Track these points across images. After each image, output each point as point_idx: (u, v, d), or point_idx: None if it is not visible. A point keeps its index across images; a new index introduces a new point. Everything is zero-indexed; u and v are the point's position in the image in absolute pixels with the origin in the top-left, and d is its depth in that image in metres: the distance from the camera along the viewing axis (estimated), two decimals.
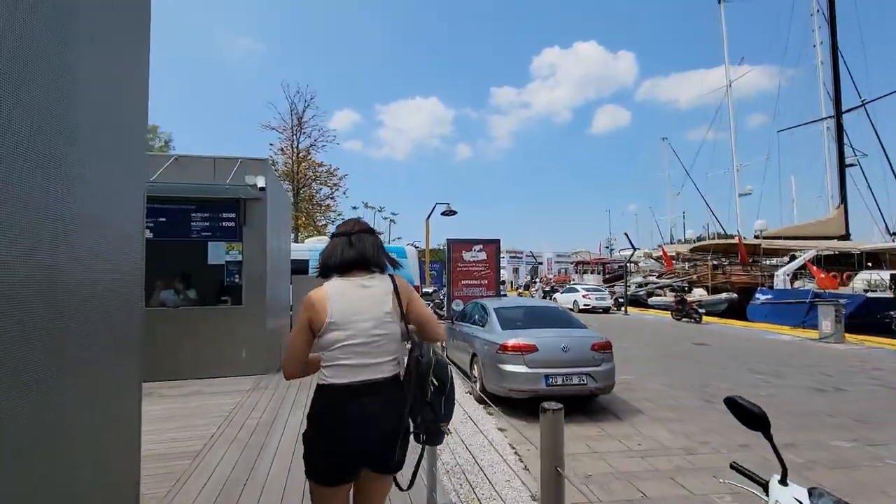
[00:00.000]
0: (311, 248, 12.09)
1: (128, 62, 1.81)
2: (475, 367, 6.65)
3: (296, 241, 18.79)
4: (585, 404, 6.29)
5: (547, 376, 5.65)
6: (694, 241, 35.85)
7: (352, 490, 1.72)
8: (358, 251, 1.77)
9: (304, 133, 23.32)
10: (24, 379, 1.18)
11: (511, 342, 5.88)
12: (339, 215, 28.85)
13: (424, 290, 14.87)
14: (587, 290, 25.14)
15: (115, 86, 1.69)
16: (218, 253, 6.77)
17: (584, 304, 23.13)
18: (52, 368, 1.29)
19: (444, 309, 12.45)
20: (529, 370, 5.69)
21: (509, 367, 5.77)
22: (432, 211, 16.99)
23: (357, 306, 1.68)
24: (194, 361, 6.27)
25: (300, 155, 23.43)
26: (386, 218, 37.10)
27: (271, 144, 23.90)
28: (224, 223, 6.81)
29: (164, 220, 6.62)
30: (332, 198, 26.58)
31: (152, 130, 27.58)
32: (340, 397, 1.61)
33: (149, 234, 6.60)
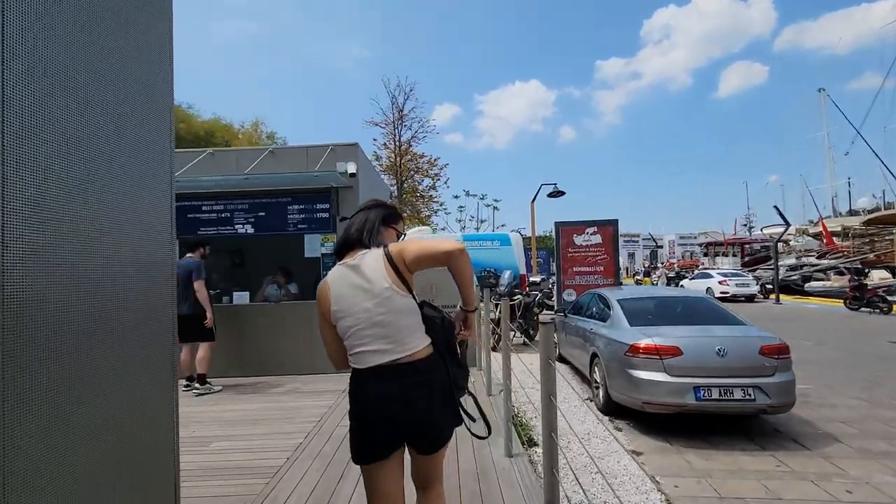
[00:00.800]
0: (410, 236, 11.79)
1: (148, 54, 1.71)
2: (596, 370, 5.55)
3: None
4: (749, 424, 4.85)
5: (697, 388, 4.37)
6: (866, 213, 29.16)
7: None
8: (344, 233, 1.72)
9: (405, 126, 23.45)
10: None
11: (644, 343, 4.68)
12: (441, 205, 28.78)
13: (531, 279, 13.77)
14: (724, 275, 21.62)
15: (136, 74, 1.62)
16: (314, 246, 6.57)
17: (721, 292, 19.71)
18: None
19: (554, 300, 11.31)
20: (672, 379, 4.46)
21: (643, 374, 4.60)
22: (538, 192, 15.75)
23: (352, 288, 1.59)
24: (294, 357, 6.14)
25: (402, 148, 23.63)
26: (489, 205, 36.09)
27: (374, 140, 24.49)
28: (318, 214, 6.58)
29: (263, 214, 6.60)
30: (434, 188, 26.48)
31: (271, 136, 30.24)
32: (366, 380, 1.58)
33: (251, 230, 6.65)
